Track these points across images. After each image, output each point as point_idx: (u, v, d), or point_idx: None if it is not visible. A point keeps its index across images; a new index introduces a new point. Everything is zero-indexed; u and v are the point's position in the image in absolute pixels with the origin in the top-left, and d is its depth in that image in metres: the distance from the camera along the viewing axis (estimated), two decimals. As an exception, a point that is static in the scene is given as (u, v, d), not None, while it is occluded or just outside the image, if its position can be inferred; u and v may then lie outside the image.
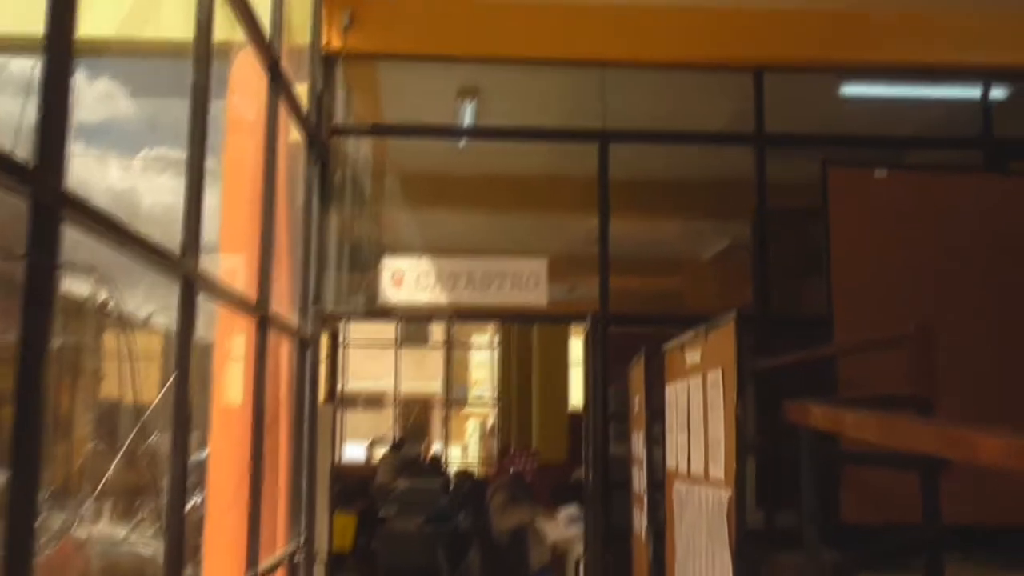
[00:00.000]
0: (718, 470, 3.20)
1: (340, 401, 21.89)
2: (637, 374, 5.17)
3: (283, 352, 5.68)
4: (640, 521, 4.99)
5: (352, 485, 11.35)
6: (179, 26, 5.17)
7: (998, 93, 6.83)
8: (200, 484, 5.22)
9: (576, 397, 13.55)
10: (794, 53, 6.51)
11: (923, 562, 3.27)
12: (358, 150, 7.40)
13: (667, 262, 10.71)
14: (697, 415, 3.58)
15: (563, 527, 7.21)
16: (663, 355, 4.41)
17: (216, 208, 5.91)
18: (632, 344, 6.09)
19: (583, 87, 6.86)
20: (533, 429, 13.64)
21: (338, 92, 6.61)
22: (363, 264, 7.03)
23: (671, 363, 4.22)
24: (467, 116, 7.17)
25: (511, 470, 7.74)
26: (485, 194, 8.77)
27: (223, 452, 5.18)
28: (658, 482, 4.55)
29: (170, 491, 3.32)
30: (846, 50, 6.52)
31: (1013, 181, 6.32)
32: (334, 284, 6.50)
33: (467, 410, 29.01)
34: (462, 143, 7.76)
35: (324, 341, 6.78)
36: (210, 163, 6.81)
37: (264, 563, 4.46)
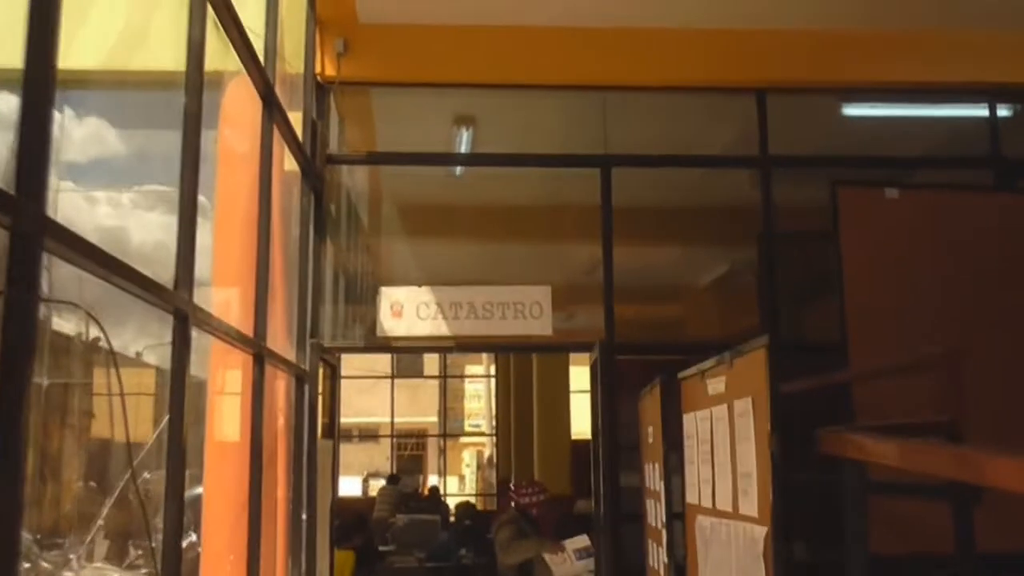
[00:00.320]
0: (750, 505, 3.01)
1: (336, 435, 21.66)
2: (650, 403, 4.98)
3: (280, 387, 5.49)
4: (657, 555, 4.79)
5: (349, 520, 11.10)
6: (167, 57, 5.04)
7: (1004, 111, 6.71)
8: (195, 523, 5.03)
9: (577, 426, 13.35)
10: (797, 74, 6.39)
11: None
12: (353, 180, 7.24)
13: (664, 289, 10.54)
14: (723, 447, 3.39)
15: (572, 561, 6.98)
16: (679, 383, 4.23)
17: (208, 242, 5.75)
18: (634, 373, 5.92)
19: (583, 112, 6.74)
20: (535, 459, 13.39)
21: (332, 120, 6.46)
22: (360, 296, 6.85)
23: (689, 392, 4.04)
24: (463, 144, 7.03)
25: (513, 503, 7.49)
26: (482, 224, 8.60)
27: (219, 489, 4.96)
28: (676, 516, 4.35)
29: (165, 531, 3.12)
30: (850, 70, 6.41)
31: (1024, 199, 6.19)
32: (331, 317, 6.32)
33: (463, 441, 28.75)
34: (459, 171, 7.60)
35: (322, 375, 6.59)
36: (202, 196, 6.64)
37: (264, 608, 4.25)
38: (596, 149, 6.39)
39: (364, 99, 6.75)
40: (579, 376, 14.17)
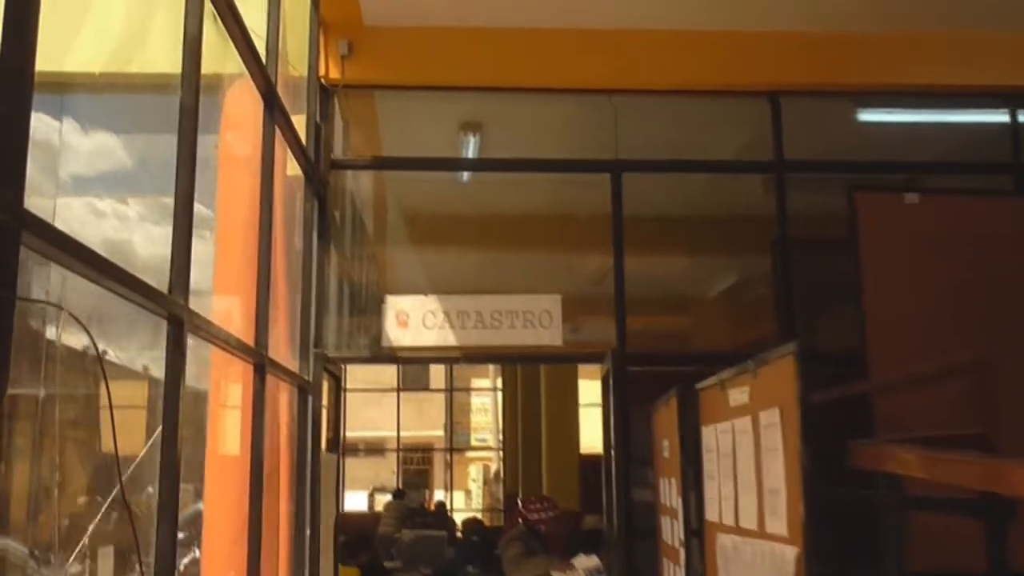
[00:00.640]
0: (778, 524, 2.83)
1: (342, 449, 21.48)
2: (666, 416, 4.80)
3: (283, 398, 5.32)
4: (674, 575, 4.59)
5: (354, 536, 10.91)
6: (168, 60, 4.89)
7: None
8: (196, 539, 4.87)
9: (586, 440, 13.17)
10: (811, 77, 6.22)
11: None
12: (358, 186, 7.09)
13: (674, 300, 10.36)
14: (747, 461, 3.21)
15: (582, 579, 6.78)
16: (697, 394, 4.05)
17: (210, 249, 5.60)
18: (645, 386, 5.73)
19: (592, 116, 6.57)
20: (543, 474, 13.18)
21: (337, 125, 6.32)
22: (365, 305, 6.69)
23: (708, 403, 3.86)
24: (470, 150, 6.87)
25: (521, 520, 7.30)
26: (489, 233, 8.44)
27: (220, 504, 4.80)
28: (694, 533, 4.17)
29: (158, 546, 2.95)
30: (866, 73, 6.25)
31: (1049, 205, 6.01)
32: (335, 326, 6.16)
33: (469, 455, 28.52)
34: (465, 177, 7.43)
35: (326, 387, 6.42)
36: (203, 201, 6.48)
37: (265, 630, 4.07)
38: (606, 154, 6.22)
39: (369, 103, 6.59)
40: (588, 390, 13.99)
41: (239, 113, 4.93)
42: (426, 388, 26.62)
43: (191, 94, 3.16)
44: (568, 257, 8.64)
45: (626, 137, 6.31)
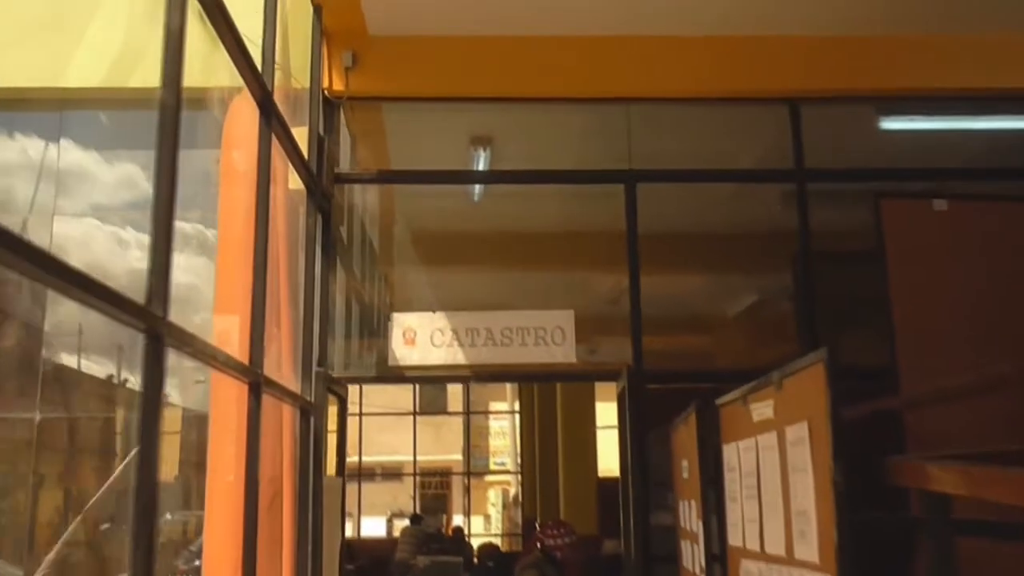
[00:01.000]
0: (808, 550, 2.58)
1: (359, 474, 21.25)
2: (684, 434, 4.55)
3: (286, 421, 5.11)
4: (695, 604, 4.33)
5: (370, 562, 10.66)
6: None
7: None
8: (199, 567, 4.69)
9: (604, 463, 12.89)
10: (832, 82, 5.99)
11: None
12: (365, 202, 6.90)
13: (692, 319, 10.11)
14: (772, 481, 2.96)
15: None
16: (718, 410, 3.80)
17: (212, 268, 5.42)
18: (663, 405, 5.49)
19: (605, 126, 6.37)
20: (560, 498, 12.90)
21: (342, 141, 6.13)
22: (372, 323, 6.48)
23: (730, 419, 3.62)
24: (480, 165, 6.67)
25: (539, 545, 7.05)
26: (500, 251, 8.24)
27: (221, 530, 4.58)
28: (716, 558, 3.91)
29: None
30: (888, 78, 6.01)
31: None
32: (341, 345, 5.95)
33: (488, 479, 28.22)
34: (477, 194, 7.23)
35: (334, 409, 6.20)
36: (206, 218, 6.29)
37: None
38: (620, 165, 6.00)
39: (376, 116, 6.42)
40: (605, 412, 13.73)
41: (240, 128, 4.75)
42: (443, 411, 26.36)
43: (172, 93, 2.96)
44: (583, 275, 8.44)
45: (640, 147, 6.10)
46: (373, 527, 24.01)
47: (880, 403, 4.37)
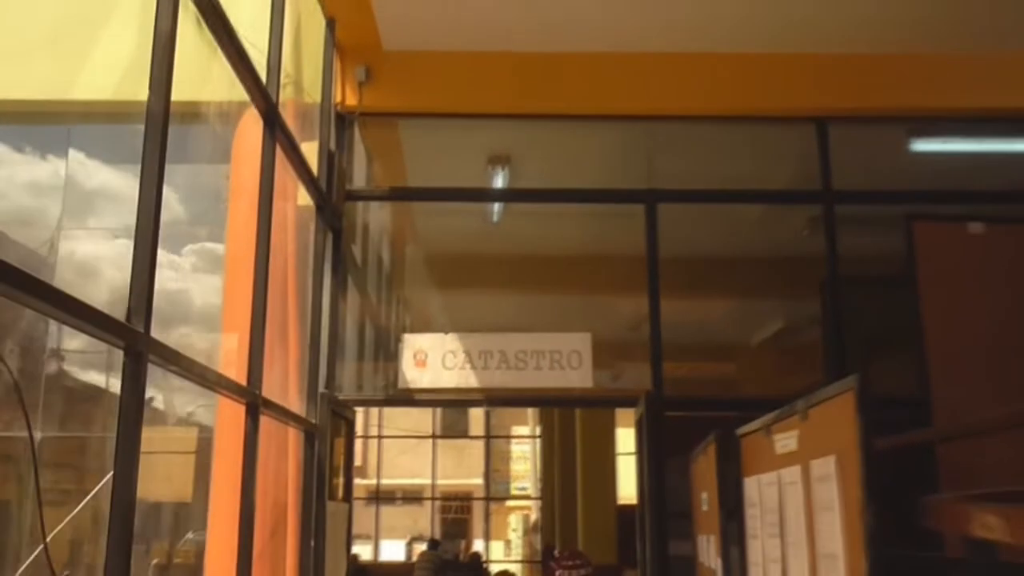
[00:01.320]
0: (835, 596, 2.36)
1: (377, 497, 21.04)
2: (704, 465, 4.32)
3: (291, 444, 4.94)
4: (713, 646, 4.09)
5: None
6: (182, 89, 4.61)
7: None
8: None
9: (624, 490, 12.62)
10: (861, 101, 5.78)
11: None
12: (381, 221, 6.74)
13: (713, 347, 9.86)
14: (796, 519, 2.74)
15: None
16: (739, 441, 3.58)
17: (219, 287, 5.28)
18: (684, 433, 5.27)
19: (626, 145, 6.19)
20: (579, 525, 12.63)
21: (357, 158, 5.98)
22: (384, 345, 6.30)
23: (751, 451, 3.40)
24: (498, 185, 6.49)
25: (557, 574, 6.83)
26: (518, 274, 8.02)
27: (224, 555, 4.41)
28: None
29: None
30: (919, 97, 5.79)
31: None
32: (351, 367, 5.77)
33: (509, 504, 27.91)
34: (496, 216, 7.03)
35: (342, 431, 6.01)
36: (214, 234, 6.13)
37: None
38: (640, 184, 5.81)
39: (392, 133, 6.26)
40: (625, 438, 13.47)
41: (250, 143, 4.61)
42: (464, 435, 26.14)
43: (160, 98, 2.81)
44: (603, 300, 8.21)
45: (661, 167, 5.93)
46: (393, 551, 23.78)
47: (911, 436, 4.13)
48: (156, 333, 2.98)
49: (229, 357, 4.51)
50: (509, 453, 28.81)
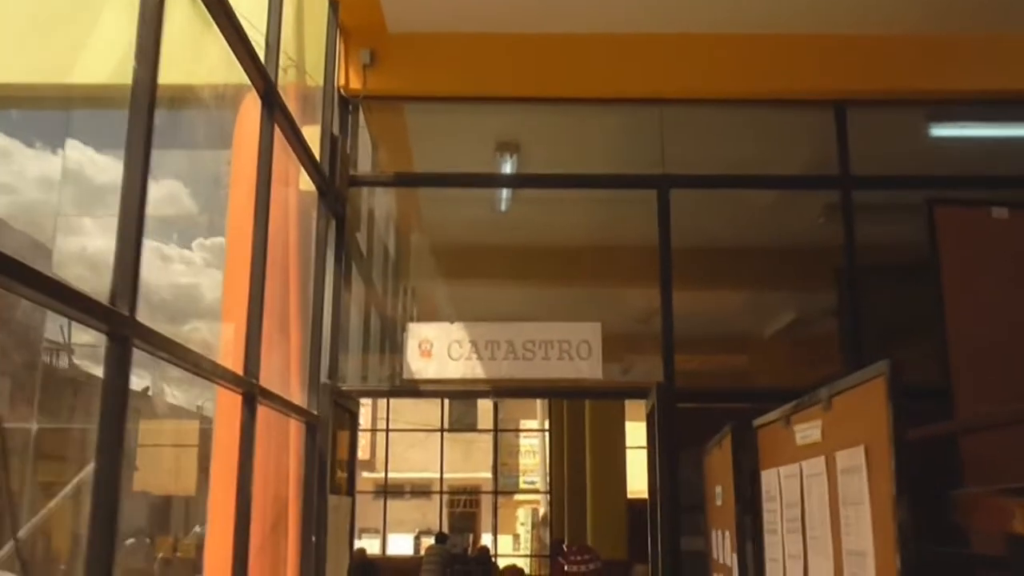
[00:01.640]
0: (864, 596, 2.20)
1: (385, 490, 20.91)
2: (718, 458, 4.16)
3: (292, 436, 4.80)
4: (728, 645, 3.93)
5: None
6: (176, 72, 4.48)
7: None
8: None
9: (634, 484, 12.48)
10: (881, 84, 5.60)
11: None
12: (386, 208, 6.59)
13: (726, 338, 9.68)
14: (819, 513, 2.59)
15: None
16: (756, 432, 3.43)
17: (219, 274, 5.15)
18: (695, 425, 5.11)
19: (637, 129, 6.02)
20: (588, 518, 12.47)
21: (363, 144, 5.83)
22: (390, 335, 6.16)
23: (770, 442, 3.24)
24: (507, 172, 6.34)
25: (566, 569, 6.69)
26: (526, 264, 7.87)
27: (223, 549, 4.28)
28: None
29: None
30: (941, 79, 5.61)
31: None
32: (356, 358, 5.63)
33: (517, 498, 27.78)
34: (504, 205, 6.87)
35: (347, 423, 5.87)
36: (215, 222, 6.00)
37: None
38: (653, 170, 5.64)
39: (398, 119, 6.11)
40: (635, 432, 13.31)
41: (251, 128, 4.47)
42: (472, 428, 26.00)
43: (147, 68, 2.66)
44: (614, 292, 8.05)
45: (674, 151, 5.74)
46: (401, 545, 23.67)
47: (933, 428, 3.96)
48: (166, 327, 2.85)
49: (228, 347, 4.38)
50: (518, 447, 28.67)
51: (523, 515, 27.74)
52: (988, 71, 5.57)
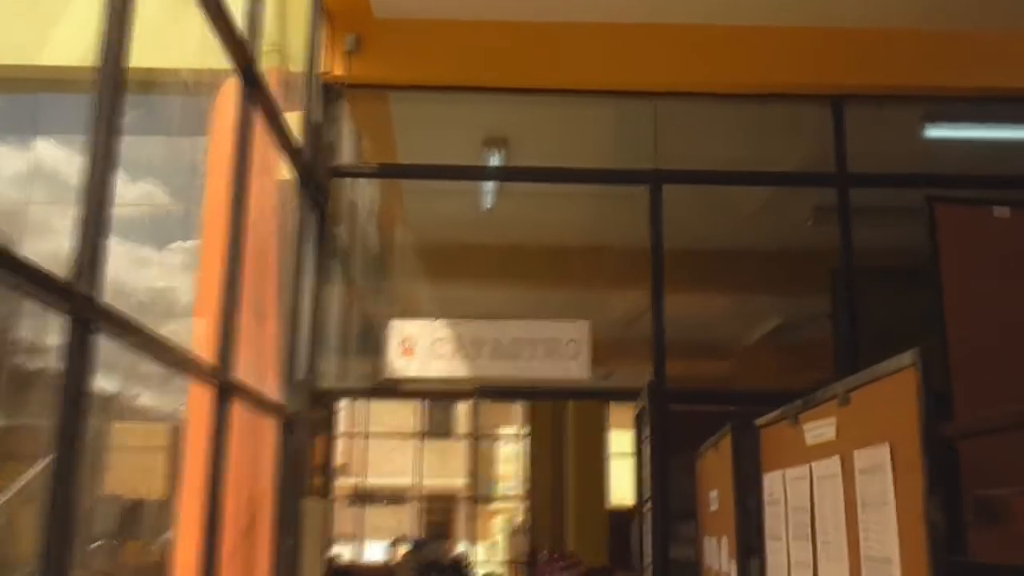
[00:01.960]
0: (888, 607, 2.03)
1: (362, 496, 20.63)
2: (714, 460, 3.99)
3: (267, 436, 4.59)
4: (723, 657, 3.76)
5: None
6: (153, 54, 4.29)
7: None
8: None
9: (615, 492, 12.33)
10: (880, 79, 5.46)
11: None
12: (370, 201, 6.40)
13: (714, 343, 9.55)
14: (833, 518, 2.42)
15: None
16: (757, 432, 3.26)
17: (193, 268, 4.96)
18: (683, 428, 4.95)
19: (630, 122, 5.87)
20: (568, 527, 12.28)
21: (346, 136, 5.64)
22: (370, 333, 5.96)
23: (774, 443, 3.07)
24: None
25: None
26: (510, 265, 7.71)
27: (193, 552, 4.06)
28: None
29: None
30: (942, 75, 5.47)
31: None
32: (334, 356, 5.43)
33: (494, 506, 27.56)
34: (489, 199, 6.70)
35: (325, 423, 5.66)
36: (192, 212, 5.78)
37: None
38: (645, 166, 5.48)
39: (383, 108, 5.91)
40: (616, 440, 13.18)
41: (230, 115, 4.27)
42: (449, 434, 25.77)
43: (117, 26, 2.47)
44: (599, 294, 7.89)
45: (667, 146, 5.58)
46: (378, 552, 23.37)
47: (950, 428, 3.80)
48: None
49: (201, 342, 4.18)
50: (495, 453, 28.44)
51: (500, 523, 27.52)
52: (990, 69, 5.45)
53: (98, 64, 2.48)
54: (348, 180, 5.68)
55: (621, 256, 6.76)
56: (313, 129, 5.04)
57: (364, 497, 20.77)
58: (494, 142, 6.14)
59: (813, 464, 2.61)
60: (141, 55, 4.09)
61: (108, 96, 2.41)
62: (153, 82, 4.59)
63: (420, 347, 5.09)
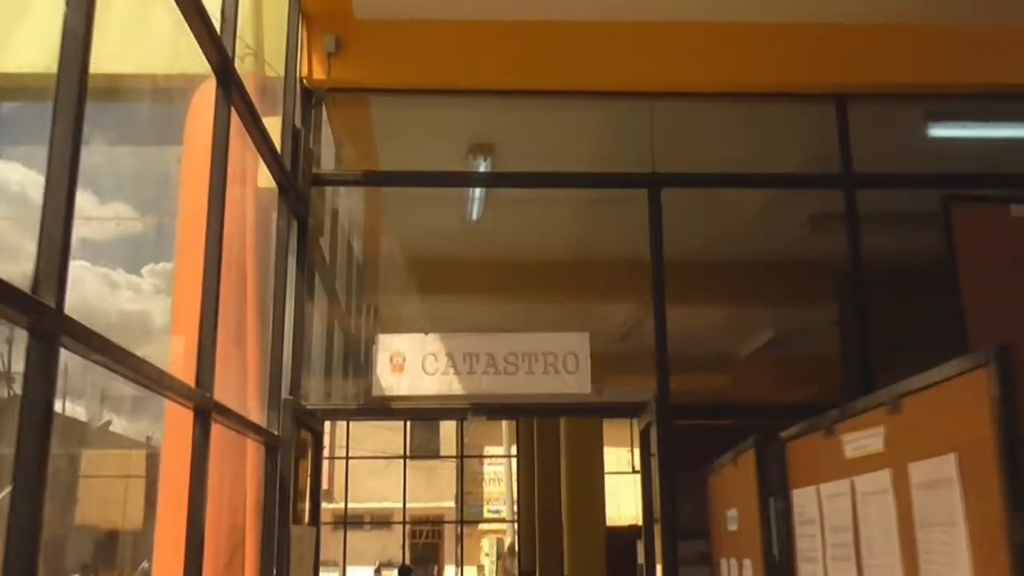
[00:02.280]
0: (965, 641, 1.78)
1: (345, 521, 20.24)
2: (733, 477, 3.73)
3: (253, 463, 4.32)
4: None
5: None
6: (123, 58, 4.07)
7: None
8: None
9: (611, 512, 12.05)
10: (885, 76, 5.27)
11: None
12: (352, 210, 6.15)
13: (713, 356, 9.31)
14: (883, 538, 2.17)
15: None
16: (783, 446, 3.01)
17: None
18: (686, 444, 4.71)
19: (625, 124, 5.64)
20: (565, 548, 11.94)
21: (325, 143, 5.39)
22: (357, 350, 5.70)
23: (805, 457, 2.82)
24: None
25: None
26: (498, 278, 7.44)
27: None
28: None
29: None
30: (949, 72, 5.28)
31: None
32: (317, 373, 5.16)
33: (482, 528, 27.23)
34: (475, 210, 6.45)
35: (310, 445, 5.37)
36: (166, 224, 5.51)
37: None
38: (642, 168, 5.25)
39: (364, 114, 5.67)
40: (612, 458, 12.92)
41: (205, 121, 4.01)
42: (436, 455, 25.44)
43: (79, 11, 2.21)
44: (591, 308, 7.64)
45: (665, 149, 5.35)
46: (359, 577, 22.96)
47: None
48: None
49: (178, 362, 3.91)
50: (482, 474, 28.13)
51: (487, 545, 27.19)
52: (996, 65, 5.26)
53: (60, 69, 2.23)
54: (329, 189, 5.41)
55: (614, 267, 6.53)
56: (293, 134, 4.79)
57: (347, 522, 20.36)
58: (480, 148, 5.90)
59: (855, 479, 2.36)
60: (108, 59, 3.82)
61: (70, 100, 2.16)
62: (118, 89, 4.34)
63: (410, 363, 4.83)
